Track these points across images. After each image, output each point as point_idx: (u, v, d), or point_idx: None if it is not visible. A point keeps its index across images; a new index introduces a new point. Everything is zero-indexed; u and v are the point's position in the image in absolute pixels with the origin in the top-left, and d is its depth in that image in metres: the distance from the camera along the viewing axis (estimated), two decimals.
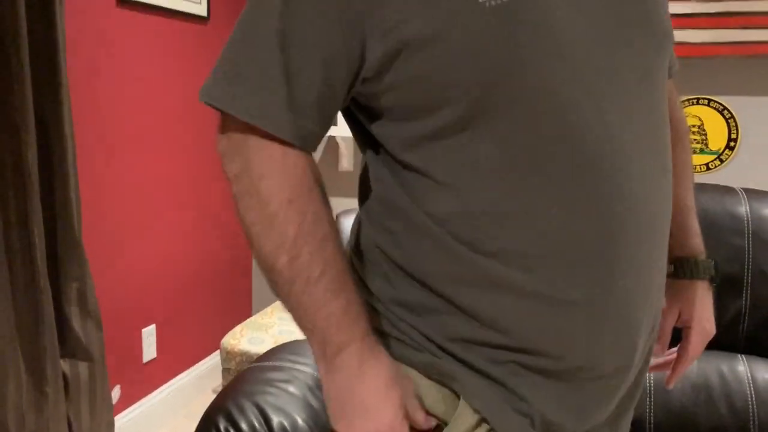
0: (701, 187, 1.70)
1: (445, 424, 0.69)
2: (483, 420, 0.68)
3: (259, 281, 2.99)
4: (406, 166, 0.69)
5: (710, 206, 1.65)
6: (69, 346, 1.83)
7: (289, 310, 0.68)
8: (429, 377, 0.70)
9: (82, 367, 1.87)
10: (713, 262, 0.90)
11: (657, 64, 0.72)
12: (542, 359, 0.67)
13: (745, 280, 1.56)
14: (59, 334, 1.78)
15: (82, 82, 1.91)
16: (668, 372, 0.92)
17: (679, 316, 0.90)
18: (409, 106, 0.66)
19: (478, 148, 0.64)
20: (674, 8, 2.21)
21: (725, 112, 2.35)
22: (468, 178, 0.65)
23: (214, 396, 2.65)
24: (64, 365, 1.82)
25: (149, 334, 2.31)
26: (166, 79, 2.28)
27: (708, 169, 2.39)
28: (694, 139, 2.40)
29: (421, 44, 0.62)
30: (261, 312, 2.40)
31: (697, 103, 2.37)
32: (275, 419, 1.25)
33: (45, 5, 1.63)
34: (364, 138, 0.75)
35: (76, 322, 1.82)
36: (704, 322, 0.88)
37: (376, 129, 0.70)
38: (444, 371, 0.69)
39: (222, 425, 1.23)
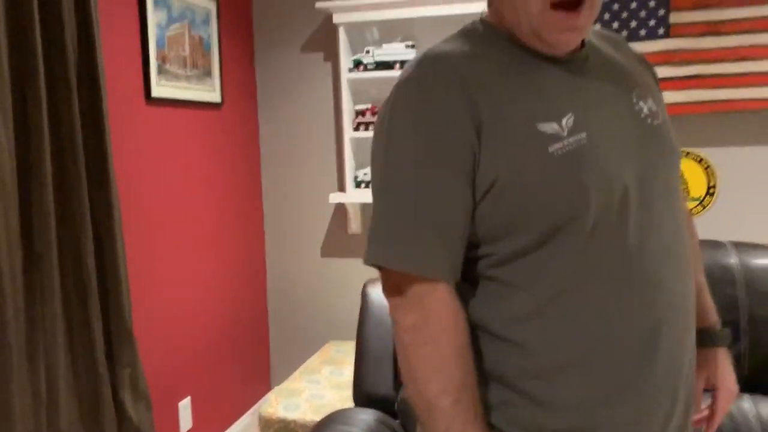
0: None
1: None
2: None
3: (275, 347, 3.12)
4: (488, 279, 0.85)
5: (703, 261, 1.85)
6: (124, 427, 1.94)
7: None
8: None
9: None
10: (728, 330, 1.07)
11: (673, 177, 0.91)
12: None
13: (741, 326, 1.75)
14: (116, 417, 1.89)
15: (122, 176, 2.06)
16: (703, 429, 1.08)
17: (707, 380, 1.07)
18: (497, 230, 0.83)
19: (550, 262, 0.81)
20: None
21: (702, 162, 2.58)
22: (541, 284, 0.81)
23: None
24: None
25: (185, 407, 2.42)
26: (190, 161, 2.44)
27: (692, 215, 2.61)
28: None
29: (505, 184, 0.80)
30: (289, 378, 2.52)
31: None
32: None
33: (95, 118, 1.79)
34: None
35: (129, 405, 1.93)
36: (729, 383, 1.05)
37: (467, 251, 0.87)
38: None
39: None
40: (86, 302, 1.75)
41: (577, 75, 0.87)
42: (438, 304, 0.81)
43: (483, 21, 0.93)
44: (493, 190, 0.81)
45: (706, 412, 1.08)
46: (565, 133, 0.81)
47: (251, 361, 2.96)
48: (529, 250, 0.82)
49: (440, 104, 0.81)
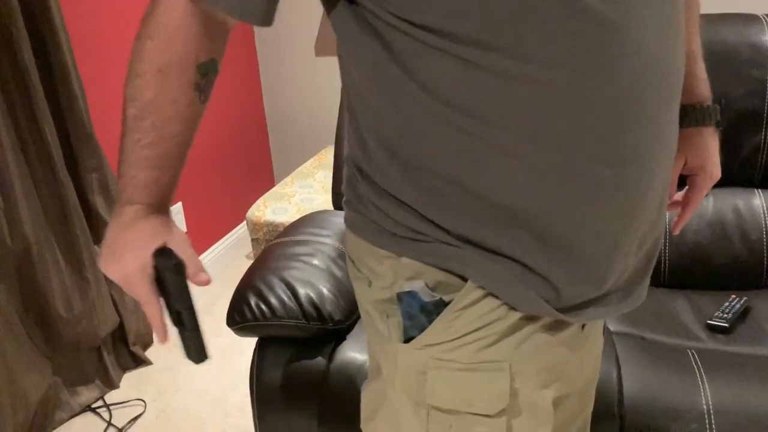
0: (721, 18, 1.61)
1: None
2: (490, 294, 0.69)
3: (277, 150, 3.01)
4: (402, 31, 0.63)
5: (730, 38, 1.57)
6: (100, 232, 1.90)
7: (120, 145, 0.73)
8: (435, 266, 0.70)
9: None
10: (718, 107, 0.88)
11: None
12: (547, 227, 0.67)
13: (765, 115, 1.53)
14: (89, 223, 1.84)
15: None
16: (675, 217, 0.93)
17: (685, 164, 0.89)
18: None
19: (501, 18, 0.59)
20: None
21: None
22: (474, 32, 0.59)
23: (248, 261, 2.78)
24: (99, 251, 1.90)
25: (177, 212, 2.38)
26: None
27: None
28: None
29: None
30: (281, 182, 2.43)
31: None
32: (302, 291, 1.32)
33: None
34: (345, 21, 0.70)
35: (102, 210, 1.88)
36: (712, 167, 0.88)
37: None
38: (450, 255, 0.70)
39: (253, 301, 1.31)
40: (30, 101, 1.61)
41: None
42: (163, 7, 0.66)
43: None
44: None
45: (679, 199, 0.92)
46: None
47: (250, 169, 2.87)
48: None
49: None
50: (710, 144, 0.87)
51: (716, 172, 0.88)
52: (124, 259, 0.73)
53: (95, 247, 1.87)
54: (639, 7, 0.61)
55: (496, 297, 0.69)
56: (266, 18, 0.67)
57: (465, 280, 0.70)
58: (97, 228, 1.88)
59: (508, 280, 0.68)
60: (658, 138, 0.67)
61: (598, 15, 0.59)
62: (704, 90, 0.87)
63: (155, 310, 0.76)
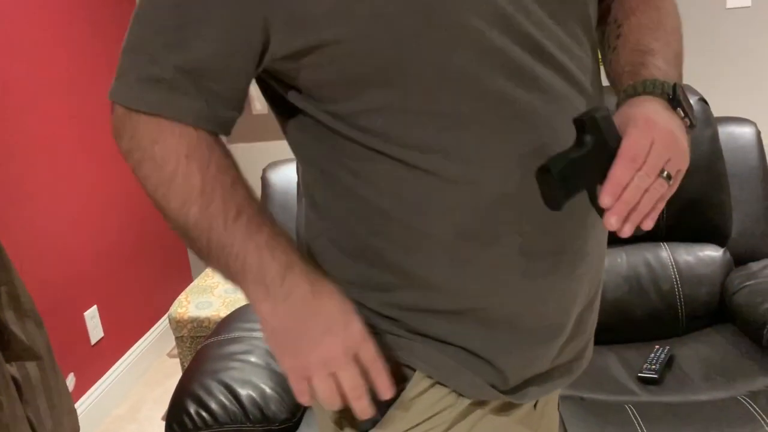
0: None
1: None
2: (438, 383, 0.71)
3: None
4: (343, 136, 0.66)
5: None
6: (13, 349, 1.77)
7: (215, 264, 0.66)
8: (383, 356, 0.71)
9: (31, 367, 1.82)
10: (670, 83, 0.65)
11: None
12: (492, 315, 0.69)
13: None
14: (2, 340, 1.72)
15: None
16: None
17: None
18: (331, 87, 0.63)
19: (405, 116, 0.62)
20: None
21: None
22: (409, 136, 0.63)
23: (169, 360, 2.66)
24: (12, 369, 1.77)
25: (92, 316, 2.26)
26: (55, 53, 2.12)
27: None
28: None
29: (338, 41, 0.59)
30: (201, 275, 2.37)
31: None
32: (243, 393, 1.28)
33: None
34: (290, 126, 0.73)
35: (14, 325, 1.76)
36: (646, 113, 0.62)
37: (301, 103, 0.67)
38: (398, 346, 0.71)
39: (192, 409, 1.25)
40: None
41: None
42: (149, 120, 0.63)
43: None
44: (320, 50, 0.60)
45: None
46: None
47: (166, 262, 2.78)
48: (379, 106, 0.63)
49: None
50: (645, 104, 0.62)
51: (654, 117, 0.60)
52: (349, 322, 0.66)
53: (8, 366, 1.74)
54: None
55: (444, 385, 0.71)
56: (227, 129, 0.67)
57: (413, 368, 0.71)
58: (9, 345, 1.75)
59: (454, 368, 0.71)
60: (592, 223, 0.72)
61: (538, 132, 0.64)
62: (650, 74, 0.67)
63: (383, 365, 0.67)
